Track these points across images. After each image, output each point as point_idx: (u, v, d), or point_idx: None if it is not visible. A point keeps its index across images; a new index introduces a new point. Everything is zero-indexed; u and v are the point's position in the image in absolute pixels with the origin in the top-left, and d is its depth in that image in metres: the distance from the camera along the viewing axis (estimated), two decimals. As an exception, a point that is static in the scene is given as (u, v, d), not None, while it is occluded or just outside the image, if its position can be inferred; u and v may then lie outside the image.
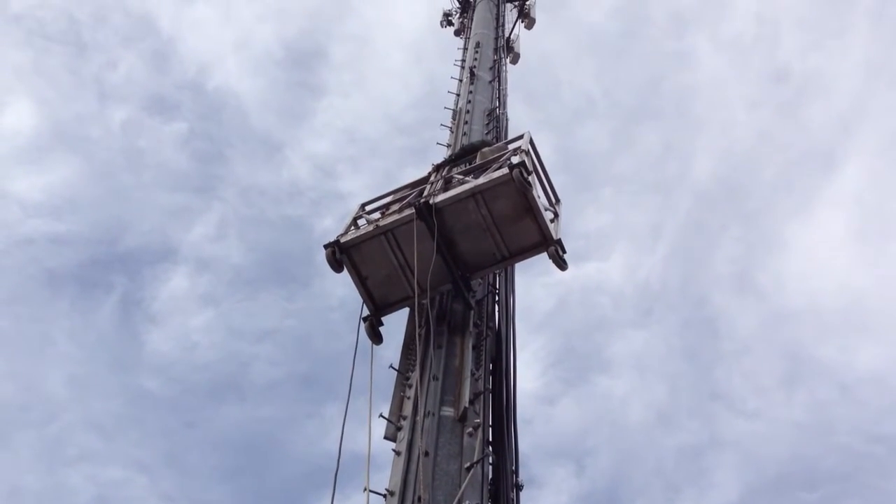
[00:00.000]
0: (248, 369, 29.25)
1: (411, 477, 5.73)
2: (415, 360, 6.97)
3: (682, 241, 31.17)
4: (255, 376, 28.80)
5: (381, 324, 7.48)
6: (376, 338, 7.36)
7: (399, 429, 6.41)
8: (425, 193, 7.62)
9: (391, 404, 6.71)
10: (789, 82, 34.55)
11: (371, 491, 5.78)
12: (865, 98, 32.82)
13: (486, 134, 10.29)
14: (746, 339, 28.93)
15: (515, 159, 7.32)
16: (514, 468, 6.39)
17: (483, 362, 7.01)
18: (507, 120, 11.17)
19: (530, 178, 7.18)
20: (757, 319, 29.93)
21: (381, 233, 7.33)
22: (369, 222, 7.59)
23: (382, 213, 7.69)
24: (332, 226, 30.02)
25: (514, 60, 15.09)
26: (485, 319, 7.43)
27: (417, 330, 7.32)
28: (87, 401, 27.64)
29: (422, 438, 6.04)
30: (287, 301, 30.90)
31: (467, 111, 10.96)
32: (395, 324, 7.62)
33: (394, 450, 6.28)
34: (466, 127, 10.52)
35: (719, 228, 31.80)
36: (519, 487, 6.30)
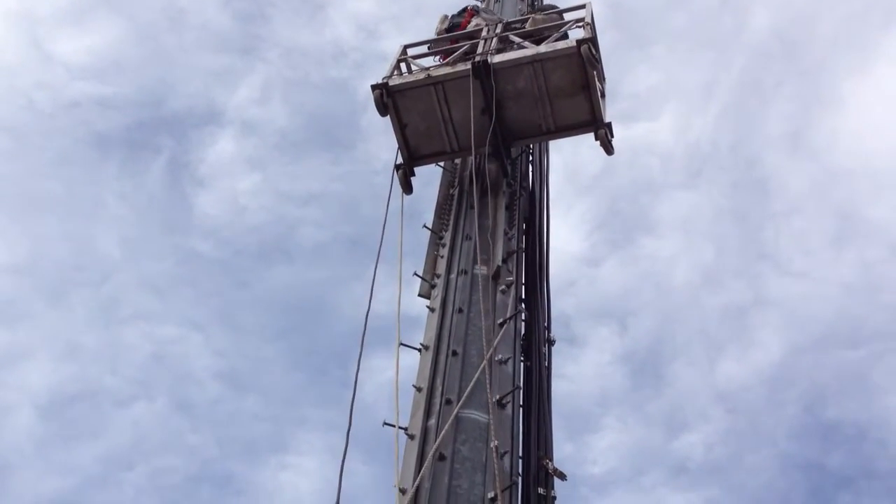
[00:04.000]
0: (296, 232, 29.66)
1: (445, 332, 5.88)
2: (448, 220, 7.03)
3: (735, 100, 30.32)
4: (302, 239, 29.24)
5: (413, 174, 7.46)
6: (408, 187, 7.36)
7: (433, 286, 6.54)
8: (479, 50, 7.43)
9: (425, 263, 6.81)
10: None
11: (406, 345, 5.97)
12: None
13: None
14: (797, 199, 28.54)
15: (580, 33, 7.15)
16: (546, 324, 6.53)
17: (516, 222, 7.05)
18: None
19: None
20: (809, 179, 29.41)
21: (431, 83, 7.17)
22: (420, 69, 7.47)
23: (439, 61, 7.52)
24: (376, 88, 29.62)
25: None
26: (518, 179, 7.42)
27: (451, 189, 7.36)
28: (139, 261, 28.31)
29: (456, 295, 6.16)
30: (332, 164, 30.99)
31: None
32: (431, 183, 7.65)
33: (428, 306, 6.43)
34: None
35: (774, 86, 30.81)
36: (551, 343, 6.46)
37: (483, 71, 6.99)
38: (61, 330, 25.65)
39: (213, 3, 31.02)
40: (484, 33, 7.75)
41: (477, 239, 6.25)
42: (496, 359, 5.60)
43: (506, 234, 6.75)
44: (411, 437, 5.29)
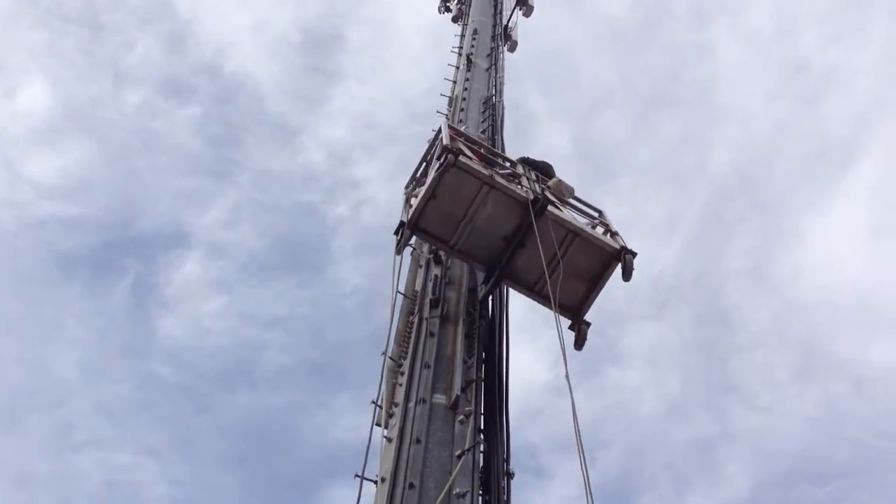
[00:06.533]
0: (260, 356, 29.29)
1: (402, 463, 5.74)
2: (407, 348, 6.98)
3: (697, 234, 31.23)
4: (266, 363, 28.84)
5: (409, 239, 7.45)
6: (400, 251, 7.33)
7: (391, 416, 6.43)
8: (524, 185, 7.37)
9: (384, 391, 6.71)
10: (808, 75, 34.56)
11: (363, 478, 5.80)
12: (884, 93, 32.85)
13: (482, 122, 10.28)
14: (760, 333, 29.02)
15: (615, 241, 7.33)
16: (505, 456, 6.41)
17: (476, 350, 7.02)
18: (503, 108, 11.15)
19: None
20: (771, 313, 30.01)
21: (488, 182, 7.07)
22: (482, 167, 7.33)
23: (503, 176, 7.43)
24: (345, 213, 30.07)
25: (512, 49, 15.06)
26: (477, 308, 7.43)
27: (410, 317, 7.34)
28: (97, 385, 27.66)
29: (413, 425, 6.06)
30: (299, 288, 30.94)
31: (463, 98, 10.95)
32: (386, 309, 7.61)
33: (385, 436, 6.30)
34: (462, 114, 10.51)
35: (735, 220, 31.86)
36: (510, 475, 6.33)
37: (539, 209, 7.05)
38: (13, 457, 24.65)
39: (187, 126, 31.55)
40: (520, 170, 7.76)
41: (434, 367, 6.20)
42: (454, 492, 5.46)
43: (465, 362, 6.71)
44: (364, 575, 5.08)
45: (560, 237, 7.14)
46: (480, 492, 6.02)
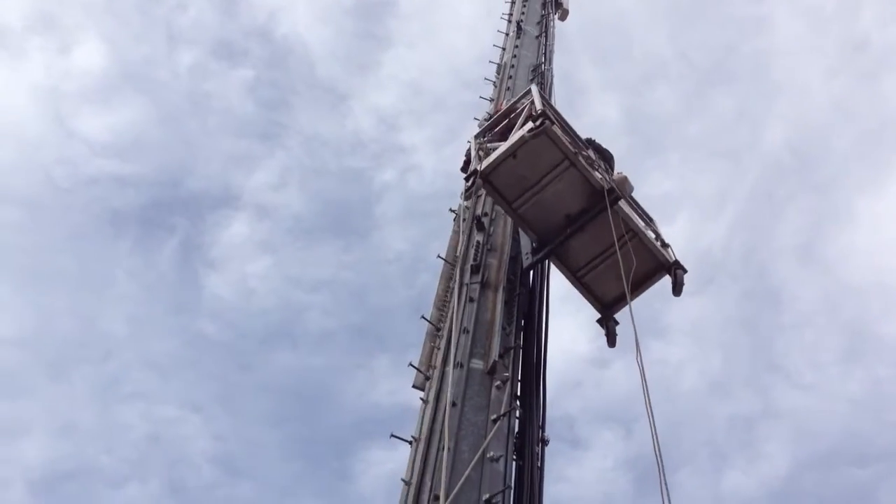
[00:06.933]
0: (302, 318, 29.68)
1: (437, 426, 5.78)
2: (446, 313, 7.01)
3: (748, 210, 30.75)
4: (308, 325, 29.23)
5: (480, 188, 7.50)
6: (470, 194, 7.44)
7: (428, 378, 6.47)
8: (598, 173, 7.35)
9: (421, 354, 6.76)
10: (867, 52, 33.64)
11: (397, 437, 5.88)
12: (944, 73, 31.82)
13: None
14: (808, 312, 28.59)
15: (668, 253, 7.37)
16: (540, 423, 6.43)
17: (515, 318, 7.01)
18: (552, 76, 11.04)
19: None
20: (820, 292, 29.55)
21: (569, 159, 7.03)
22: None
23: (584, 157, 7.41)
24: (392, 179, 30.20)
25: (563, 17, 14.82)
26: (518, 276, 7.42)
27: (451, 282, 7.36)
28: (144, 340, 28.29)
29: (450, 389, 6.09)
30: (344, 252, 31.23)
31: (512, 66, 10.85)
32: (429, 275, 7.65)
33: (422, 398, 6.35)
34: (510, 82, 10.42)
35: (787, 198, 31.29)
36: (545, 442, 6.34)
37: (613, 200, 7.07)
38: (60, 406, 25.39)
39: (238, 88, 31.81)
40: (593, 156, 7.69)
41: (473, 333, 6.21)
42: (488, 456, 5.49)
43: (504, 329, 6.71)
44: (396, 533, 5.15)
45: (619, 234, 7.06)
46: (514, 457, 6.05)
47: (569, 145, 7.14)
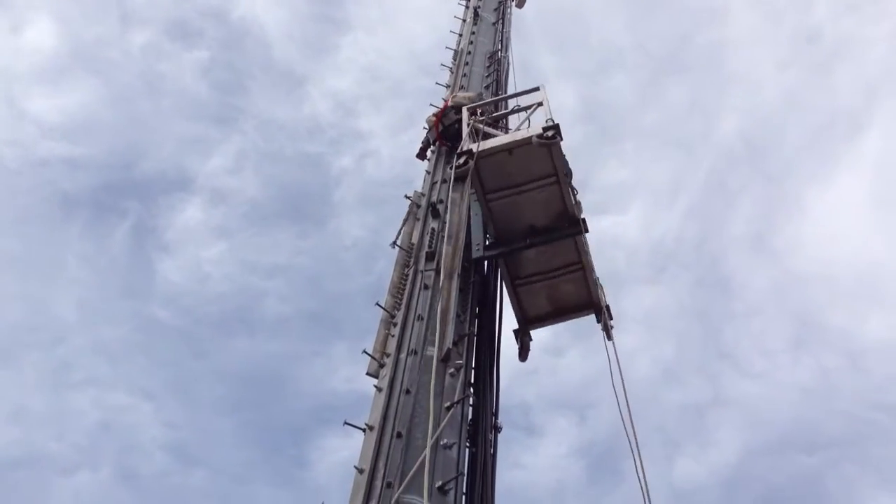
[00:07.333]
0: (258, 304, 29.38)
1: (391, 413, 5.78)
2: (401, 300, 7.00)
3: (701, 200, 31.14)
4: (264, 311, 28.95)
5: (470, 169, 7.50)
6: (466, 172, 7.30)
7: (382, 365, 6.46)
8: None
9: (375, 341, 6.74)
10: (820, 45, 34.16)
11: (351, 424, 5.86)
12: (894, 65, 32.53)
13: (487, 77, 10.18)
14: (758, 301, 29.07)
15: (603, 296, 7.68)
16: (493, 410, 6.46)
17: (469, 305, 7.03)
18: (508, 64, 11.03)
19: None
20: (769, 282, 30.05)
21: (559, 177, 7.24)
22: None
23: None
24: (349, 165, 29.98)
25: (520, 4, 14.82)
26: (472, 263, 7.43)
27: (406, 269, 7.35)
28: (95, 326, 27.78)
29: (404, 376, 6.09)
30: (300, 238, 30.94)
31: (469, 52, 10.83)
32: (386, 262, 7.63)
33: (376, 386, 6.34)
34: (467, 68, 10.40)
35: (739, 188, 31.74)
36: (497, 429, 6.38)
37: (572, 223, 7.34)
38: (9, 392, 24.88)
39: (193, 70, 31.27)
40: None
41: (427, 320, 6.21)
42: (441, 443, 5.51)
43: (458, 317, 6.72)
44: (349, 520, 5.14)
45: (570, 261, 7.43)
46: (468, 444, 6.08)
47: (566, 163, 7.31)
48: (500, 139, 7.39)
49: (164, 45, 32.00)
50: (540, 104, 7.74)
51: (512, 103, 8.32)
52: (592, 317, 7.69)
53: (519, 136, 7.32)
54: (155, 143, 30.63)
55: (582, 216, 7.39)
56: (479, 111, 8.20)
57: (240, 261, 29.53)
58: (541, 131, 7.21)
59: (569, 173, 7.51)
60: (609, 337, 7.36)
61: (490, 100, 8.98)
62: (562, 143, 7.23)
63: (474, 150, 7.25)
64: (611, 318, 7.55)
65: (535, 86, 8.10)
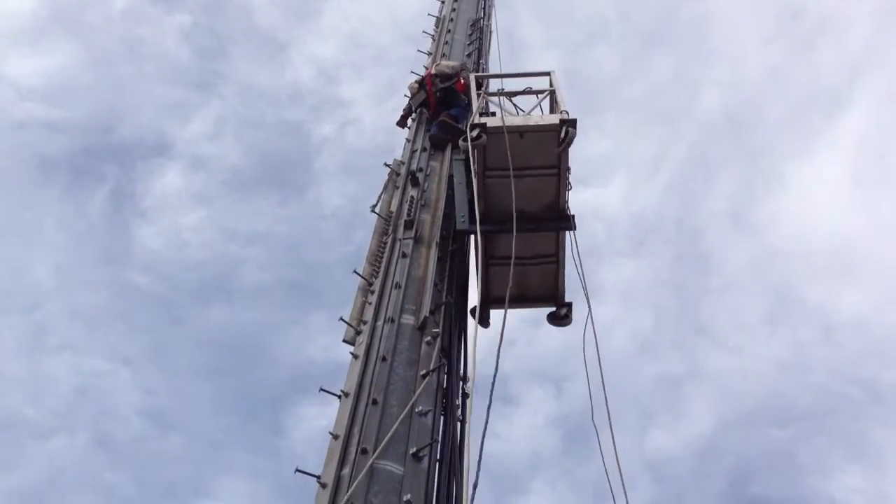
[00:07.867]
0: (237, 271, 29.27)
1: (367, 380, 5.81)
2: (379, 268, 7.01)
3: (681, 174, 31.27)
4: (243, 279, 28.85)
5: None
6: (477, 144, 7.25)
7: (359, 333, 6.48)
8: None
9: (352, 308, 6.76)
10: (803, 21, 34.15)
11: (326, 391, 5.89)
12: (877, 44, 32.62)
13: (469, 45, 10.13)
14: (735, 275, 29.37)
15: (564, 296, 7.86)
16: (461, 376, 6.51)
17: (446, 274, 7.05)
18: (490, 32, 10.99)
19: None
20: (747, 257, 30.34)
21: (561, 169, 7.29)
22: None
23: None
24: (330, 133, 29.77)
25: (504, -29, 14.73)
26: (451, 231, 7.44)
27: (384, 237, 7.35)
28: (73, 290, 27.58)
29: (380, 343, 6.12)
30: (280, 206, 30.75)
31: (451, 20, 10.77)
32: (366, 231, 7.63)
33: (352, 353, 6.36)
34: (449, 36, 10.35)
35: (720, 163, 31.89)
36: (465, 395, 6.42)
37: (562, 218, 7.44)
38: (-17, 354, 24.71)
39: (174, 34, 30.82)
40: None
41: (405, 288, 6.23)
42: (416, 410, 5.55)
43: (436, 285, 6.74)
44: (323, 485, 5.18)
45: (547, 252, 7.58)
46: (443, 412, 6.13)
47: (566, 160, 7.36)
48: (516, 119, 7.38)
49: (145, 8, 31.60)
50: (553, 91, 7.76)
51: (519, 82, 8.28)
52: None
53: (536, 121, 7.34)
54: (134, 107, 30.31)
55: (571, 213, 7.49)
56: (484, 83, 8.22)
57: (219, 228, 29.42)
58: (557, 122, 7.21)
59: (569, 169, 7.56)
60: (559, 326, 7.80)
61: (494, 74, 8.96)
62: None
63: (487, 123, 7.23)
64: (569, 322, 7.80)
65: (510, 66, 8.20)
